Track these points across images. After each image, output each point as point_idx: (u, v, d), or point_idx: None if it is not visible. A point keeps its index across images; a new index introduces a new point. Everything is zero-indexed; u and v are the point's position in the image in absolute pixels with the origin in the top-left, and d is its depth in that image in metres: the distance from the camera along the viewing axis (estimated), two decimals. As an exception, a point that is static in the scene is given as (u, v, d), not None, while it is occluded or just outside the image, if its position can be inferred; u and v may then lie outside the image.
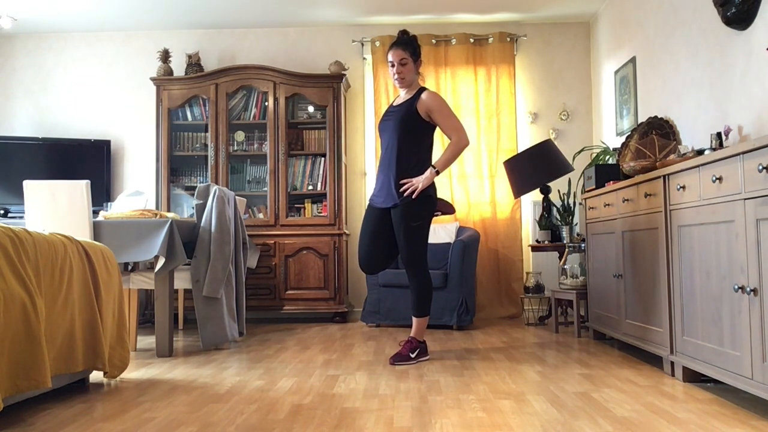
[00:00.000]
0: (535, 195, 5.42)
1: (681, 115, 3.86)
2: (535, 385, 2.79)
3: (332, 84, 5.39)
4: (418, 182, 3.38)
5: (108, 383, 2.94)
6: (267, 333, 4.64)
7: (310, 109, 5.56)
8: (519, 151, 5.23)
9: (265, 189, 5.44)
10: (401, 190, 3.40)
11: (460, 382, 2.86)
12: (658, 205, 3.00)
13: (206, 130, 5.50)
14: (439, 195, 3.62)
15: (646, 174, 3.14)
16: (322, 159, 5.46)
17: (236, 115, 5.53)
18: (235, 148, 5.52)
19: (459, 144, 3.45)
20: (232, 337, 3.96)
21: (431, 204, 3.48)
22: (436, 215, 3.62)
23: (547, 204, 5.08)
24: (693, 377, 2.78)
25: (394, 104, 3.61)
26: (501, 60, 5.60)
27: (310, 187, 5.47)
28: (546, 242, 4.99)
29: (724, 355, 2.43)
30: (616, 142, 4.95)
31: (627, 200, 3.43)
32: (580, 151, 5.22)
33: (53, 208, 3.72)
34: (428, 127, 3.49)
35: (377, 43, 5.65)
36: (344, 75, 5.42)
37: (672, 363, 2.92)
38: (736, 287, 2.29)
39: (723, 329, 2.44)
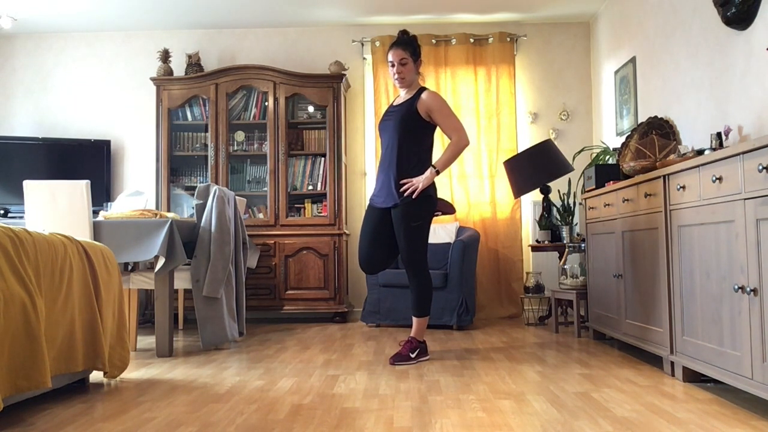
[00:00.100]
0: (535, 195, 5.42)
1: (681, 115, 3.86)
2: (535, 385, 2.79)
3: (332, 84, 5.39)
4: (419, 182, 3.38)
5: (108, 383, 2.94)
6: (267, 333, 4.64)
7: (310, 109, 5.56)
8: (519, 151, 5.23)
9: (265, 189, 5.44)
10: (401, 190, 3.40)
11: (460, 382, 2.86)
12: (658, 205, 3.00)
13: (206, 130, 5.50)
14: (439, 195, 3.62)
15: (646, 174, 3.14)
16: (322, 159, 5.46)
17: (236, 115, 5.53)
18: (235, 148, 5.52)
19: (459, 144, 3.45)
20: (232, 337, 3.96)
21: (431, 204, 3.48)
22: (437, 215, 3.62)
23: (547, 204, 5.08)
24: (693, 377, 2.78)
25: (394, 104, 3.61)
26: (501, 60, 5.60)
27: (310, 187, 5.47)
28: (546, 242, 4.99)
29: (724, 355, 2.43)
30: (616, 142, 4.95)
31: (627, 200, 3.43)
32: (580, 151, 5.22)
33: (53, 208, 3.72)
34: (428, 127, 3.49)
35: (377, 43, 5.65)
36: (344, 75, 5.42)
37: (672, 363, 2.92)
38: (736, 287, 2.29)
39: (723, 329, 2.44)
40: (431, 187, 3.45)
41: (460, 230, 5.17)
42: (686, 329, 2.77)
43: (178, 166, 5.58)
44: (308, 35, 5.82)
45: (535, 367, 3.19)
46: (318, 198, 5.48)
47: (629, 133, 4.03)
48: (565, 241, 4.84)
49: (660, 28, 4.14)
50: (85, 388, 2.84)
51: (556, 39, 5.75)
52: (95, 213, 4.03)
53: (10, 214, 5.25)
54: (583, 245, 4.49)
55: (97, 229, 3.69)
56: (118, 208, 4.18)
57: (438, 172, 3.42)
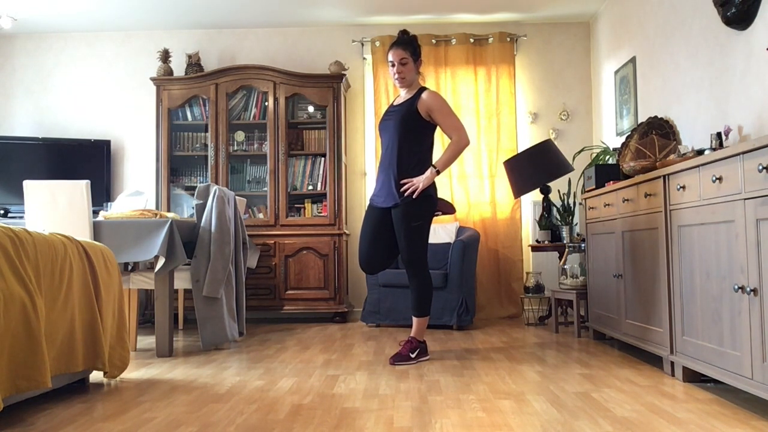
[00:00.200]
0: (535, 195, 5.42)
1: (681, 115, 3.86)
2: (535, 385, 2.79)
3: (332, 84, 5.39)
4: (419, 182, 3.38)
5: (108, 383, 2.94)
6: (267, 333, 4.64)
7: (310, 109, 5.56)
8: (519, 151, 5.23)
9: (265, 189, 5.44)
10: (402, 189, 3.40)
11: (460, 382, 2.86)
12: (658, 205, 3.00)
13: (206, 130, 5.50)
14: (440, 195, 3.62)
15: (646, 174, 3.14)
16: (322, 159, 5.46)
17: (236, 115, 5.53)
18: (235, 148, 5.52)
19: (459, 143, 3.45)
20: (232, 337, 3.96)
21: (432, 204, 3.48)
22: (437, 215, 3.62)
23: (547, 204, 5.08)
24: (693, 377, 2.78)
25: (395, 104, 3.61)
26: (501, 60, 5.60)
27: (310, 187, 5.47)
28: (546, 242, 4.99)
29: (724, 355, 2.43)
30: (616, 142, 4.95)
31: (627, 200, 3.43)
32: (580, 151, 5.22)
33: (53, 208, 3.72)
34: (428, 126, 3.49)
35: (377, 43, 5.65)
36: (344, 75, 5.42)
37: (672, 363, 2.92)
38: (736, 287, 2.29)
39: (723, 329, 2.44)
40: (431, 187, 3.45)
41: (460, 230, 5.17)
42: (686, 329, 2.77)
43: (178, 166, 5.58)
44: (308, 35, 5.83)
45: (535, 367, 3.19)
46: (318, 198, 5.48)
47: (629, 133, 4.03)
48: (565, 241, 4.84)
49: (660, 28, 4.14)
50: (85, 388, 2.84)
51: (556, 39, 5.75)
52: (95, 213, 4.03)
53: (10, 214, 5.25)
54: (583, 245, 4.49)
55: (97, 229, 3.69)
56: (118, 208, 4.18)
57: (438, 172, 3.42)
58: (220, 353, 3.76)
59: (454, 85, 5.64)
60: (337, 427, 2.16)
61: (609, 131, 5.25)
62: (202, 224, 3.91)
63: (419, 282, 3.46)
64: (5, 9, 5.25)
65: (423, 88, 3.51)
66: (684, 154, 3.03)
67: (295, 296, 5.26)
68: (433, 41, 5.62)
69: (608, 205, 3.77)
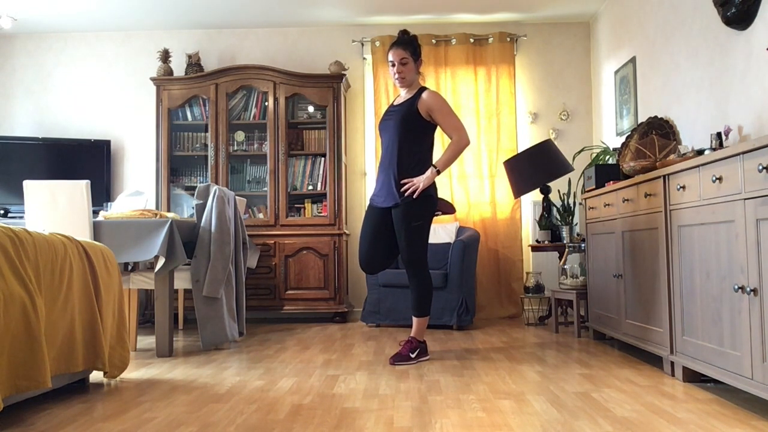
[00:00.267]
0: (535, 195, 5.42)
1: (681, 115, 3.86)
2: (535, 385, 2.79)
3: (332, 84, 5.39)
4: (419, 182, 3.38)
5: (108, 383, 2.94)
6: (267, 333, 4.64)
7: (310, 109, 5.56)
8: (519, 151, 5.23)
9: (265, 189, 5.44)
10: (402, 189, 3.40)
11: (460, 382, 2.86)
12: (658, 205, 3.00)
13: (206, 130, 5.50)
14: (440, 195, 3.62)
15: (646, 174, 3.14)
16: (322, 159, 5.46)
17: (236, 115, 5.53)
18: (235, 148, 5.52)
19: (460, 143, 3.45)
20: (232, 337, 3.96)
21: (432, 204, 3.48)
22: (437, 215, 3.62)
23: (547, 204, 5.08)
24: (693, 377, 2.78)
25: (395, 104, 3.61)
26: (501, 60, 5.60)
27: (310, 187, 5.47)
28: (546, 242, 4.99)
29: (724, 355, 2.43)
30: (616, 142, 4.95)
31: (627, 200, 3.43)
32: (580, 151, 5.22)
33: (53, 208, 3.72)
34: (429, 126, 3.49)
35: (377, 43, 5.65)
36: (344, 75, 5.42)
37: (672, 363, 2.92)
38: (736, 287, 2.29)
39: (723, 329, 2.44)
40: (432, 187, 3.45)
41: (460, 230, 5.17)
42: (686, 329, 2.77)
43: (178, 166, 5.58)
44: (308, 35, 5.83)
45: (535, 367, 3.19)
46: (318, 198, 5.48)
47: (629, 133, 4.03)
48: (565, 241, 4.84)
49: (660, 28, 4.14)
50: (85, 388, 2.84)
51: (556, 39, 5.75)
52: (95, 213, 4.03)
53: (10, 214, 5.25)
54: (583, 245, 4.49)
55: (97, 229, 3.69)
56: (118, 208, 4.18)
57: (439, 172, 3.42)
58: (220, 353, 3.76)
59: (454, 85, 5.64)
60: (337, 427, 2.16)
61: (609, 131, 5.25)
62: (202, 224, 3.91)
63: (419, 282, 3.46)
64: (5, 9, 5.25)
65: (423, 88, 3.51)
66: (684, 154, 3.03)
67: (295, 296, 5.26)
68: (433, 41, 5.62)
69: (608, 205, 3.77)
